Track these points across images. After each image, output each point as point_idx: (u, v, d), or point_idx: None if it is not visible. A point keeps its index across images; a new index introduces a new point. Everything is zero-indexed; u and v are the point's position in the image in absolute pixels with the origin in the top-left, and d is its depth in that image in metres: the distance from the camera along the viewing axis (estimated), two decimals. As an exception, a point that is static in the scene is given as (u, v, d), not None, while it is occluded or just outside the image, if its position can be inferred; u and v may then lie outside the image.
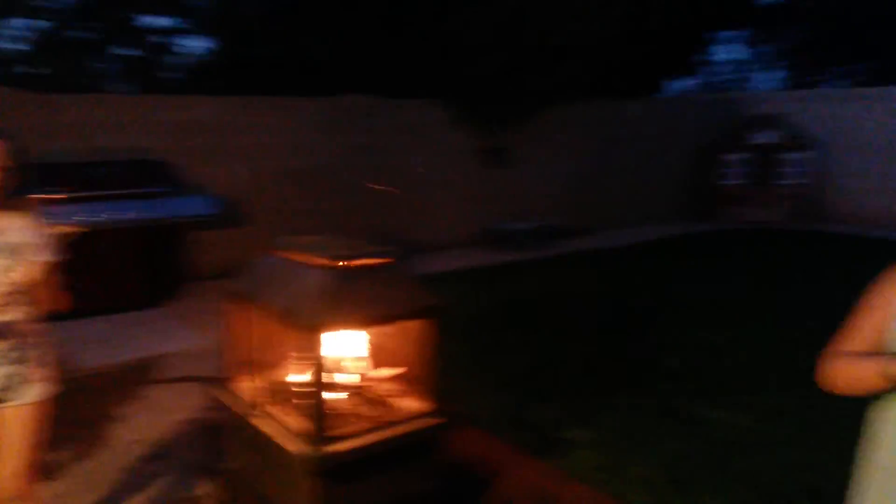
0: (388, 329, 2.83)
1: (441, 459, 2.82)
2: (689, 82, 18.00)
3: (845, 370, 1.54)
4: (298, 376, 2.75)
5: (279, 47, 9.50)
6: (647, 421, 3.90)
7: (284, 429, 2.55)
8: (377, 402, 2.72)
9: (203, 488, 3.15)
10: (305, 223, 7.89)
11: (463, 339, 5.35)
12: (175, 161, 7.14)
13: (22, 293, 2.20)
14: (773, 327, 5.66)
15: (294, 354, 2.81)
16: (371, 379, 2.83)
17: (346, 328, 2.49)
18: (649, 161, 11.25)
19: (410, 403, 2.73)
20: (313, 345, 2.34)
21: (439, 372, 2.69)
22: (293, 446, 2.44)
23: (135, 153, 6.77)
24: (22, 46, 11.76)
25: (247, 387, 2.86)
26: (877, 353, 1.51)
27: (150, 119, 7.05)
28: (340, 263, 2.49)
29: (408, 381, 2.83)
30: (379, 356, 2.94)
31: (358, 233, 7.91)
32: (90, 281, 5.95)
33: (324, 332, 2.35)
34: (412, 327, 2.71)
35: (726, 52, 19.90)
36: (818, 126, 11.35)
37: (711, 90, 18.26)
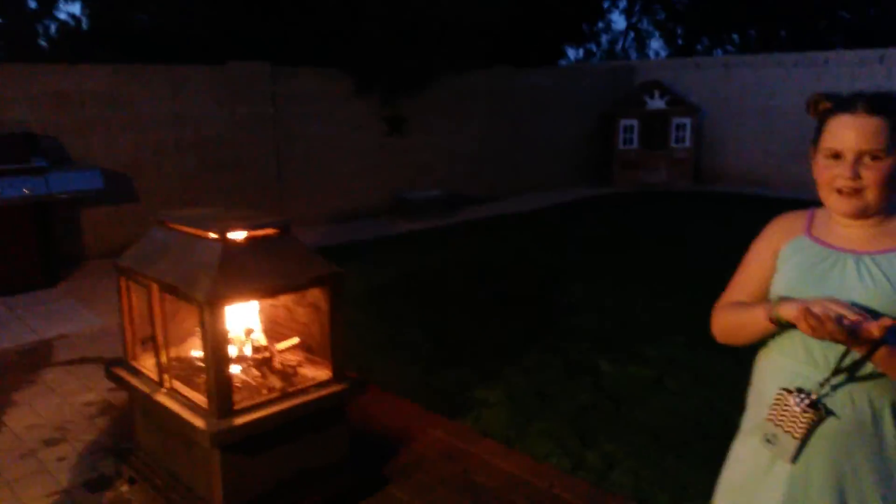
0: (287, 299, 2.78)
1: (350, 426, 2.82)
2: (587, 50, 18.43)
3: (731, 319, 1.62)
4: (198, 351, 2.67)
5: (163, 12, 8.99)
6: (553, 378, 4.03)
7: (188, 404, 2.48)
8: (280, 372, 2.68)
9: (110, 469, 3.03)
10: (199, 196, 7.61)
11: (372, 307, 5.35)
12: (56, 134, 6.68)
13: None
14: (665, 282, 5.95)
15: (193, 329, 2.71)
16: (273, 350, 2.78)
17: (243, 300, 2.42)
18: (552, 128, 11.47)
19: (314, 372, 2.71)
20: (210, 318, 2.26)
21: (342, 339, 2.67)
22: (197, 421, 2.37)
23: (10, 126, 6.29)
24: None
25: (148, 364, 2.75)
26: (760, 301, 1.60)
27: (27, 90, 6.55)
28: (232, 235, 2.42)
29: (311, 351, 2.80)
30: (281, 327, 2.89)
31: (254, 205, 7.75)
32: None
33: (220, 305, 2.28)
34: (312, 296, 2.68)
35: (622, 20, 20.46)
36: (706, 91, 11.90)
37: (609, 58, 18.78)
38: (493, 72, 10.41)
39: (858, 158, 1.42)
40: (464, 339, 4.69)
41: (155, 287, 2.55)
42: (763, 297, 1.60)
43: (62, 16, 11.38)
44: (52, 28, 11.43)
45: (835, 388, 1.46)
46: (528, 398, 3.76)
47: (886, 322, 1.29)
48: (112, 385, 3.79)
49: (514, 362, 4.24)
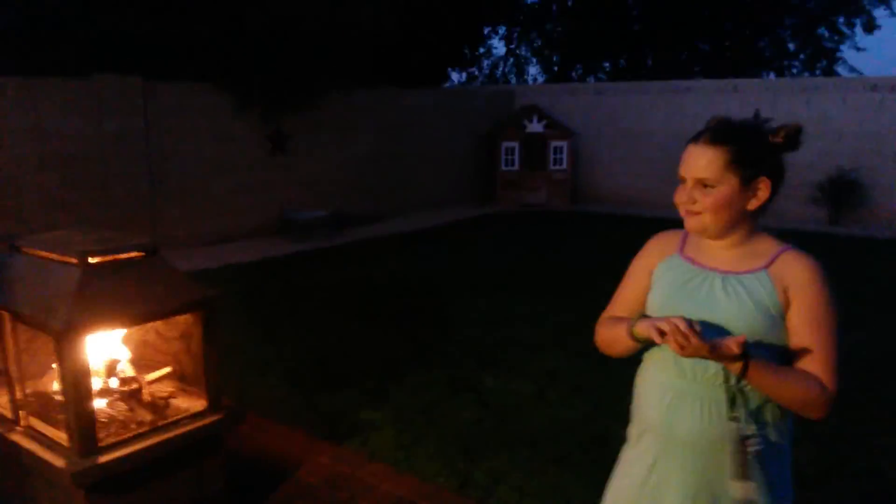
0: (157, 326, 2.64)
1: (229, 457, 2.70)
2: (469, 74, 18.89)
3: (607, 333, 1.71)
4: (58, 385, 2.47)
5: (20, 17, 8.35)
6: (440, 396, 4.05)
7: (47, 443, 2.29)
8: (151, 405, 2.53)
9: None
10: (65, 217, 7.11)
11: (255, 331, 5.17)
12: None
13: None
14: (546, 297, 6.15)
15: (52, 361, 2.51)
16: (143, 381, 2.62)
17: (104, 329, 2.27)
18: (436, 148, 11.65)
19: (188, 403, 2.58)
20: (68, 349, 2.11)
21: (217, 367, 2.56)
22: (57, 461, 2.19)
23: None
24: None
25: (2, 401, 2.51)
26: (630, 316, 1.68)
27: None
28: (92, 259, 2.27)
29: (185, 380, 2.67)
30: (152, 356, 2.73)
31: (125, 227, 7.34)
32: None
33: (78, 335, 2.12)
34: (184, 323, 2.56)
35: (502, 46, 21.16)
36: (580, 116, 12.50)
37: (490, 82, 19.34)
38: (377, 92, 10.45)
39: (696, 185, 1.53)
40: (349, 361, 4.63)
41: (6, 317, 2.34)
42: (641, 312, 1.68)
43: None
44: None
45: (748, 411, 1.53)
46: (415, 418, 3.75)
47: (740, 339, 1.38)
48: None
49: (400, 382, 4.22)
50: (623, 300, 1.75)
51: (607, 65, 18.68)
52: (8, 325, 2.36)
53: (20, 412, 2.39)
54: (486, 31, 17.08)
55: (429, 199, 11.55)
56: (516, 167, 12.10)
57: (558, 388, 4.16)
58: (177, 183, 8.21)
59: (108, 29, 8.09)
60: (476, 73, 19.23)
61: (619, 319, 1.68)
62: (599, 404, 3.88)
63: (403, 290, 6.58)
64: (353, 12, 8.45)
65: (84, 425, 2.18)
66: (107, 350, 2.56)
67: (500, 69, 19.79)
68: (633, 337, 1.56)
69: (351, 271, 7.30)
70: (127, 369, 2.63)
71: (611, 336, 1.69)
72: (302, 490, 3.03)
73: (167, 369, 2.69)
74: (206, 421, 2.51)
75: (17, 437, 2.34)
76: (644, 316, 1.60)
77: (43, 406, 2.44)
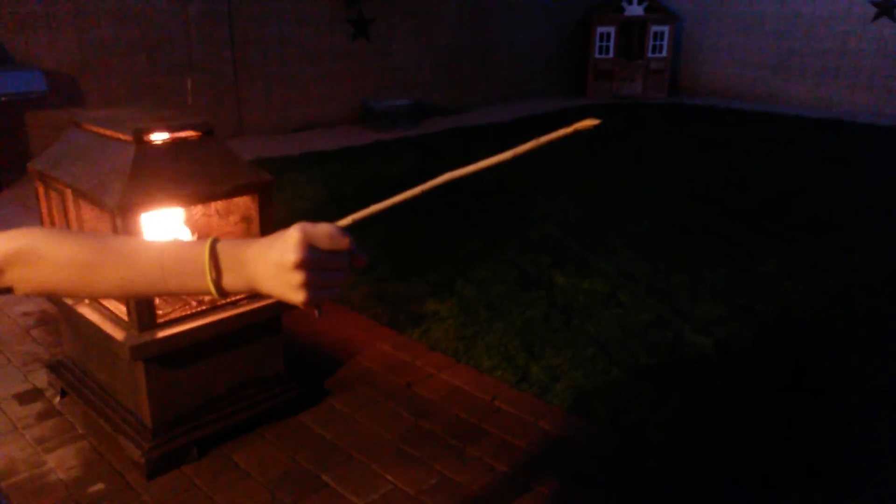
0: (217, 209, 2.63)
1: (293, 338, 2.74)
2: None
3: None
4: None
5: None
6: (506, 291, 3.96)
7: (110, 316, 2.36)
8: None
9: (42, 380, 2.95)
10: (150, 101, 7.26)
11: (325, 219, 5.18)
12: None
13: None
14: (628, 199, 5.85)
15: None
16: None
17: (157, 207, 2.25)
18: (526, 34, 11.05)
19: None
20: (123, 226, 2.11)
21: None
22: (117, 334, 2.27)
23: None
24: None
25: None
26: None
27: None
28: (147, 137, 2.24)
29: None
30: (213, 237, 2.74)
31: (209, 112, 7.42)
32: None
33: (132, 212, 2.12)
34: (242, 206, 2.53)
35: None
36: (686, -1, 11.50)
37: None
38: (464, -28, 9.90)
39: None
40: (418, 253, 4.59)
41: (68, 193, 2.38)
42: None
43: None
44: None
45: None
46: (479, 311, 3.70)
47: None
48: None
49: (468, 276, 4.16)
50: None
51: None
52: (71, 201, 2.39)
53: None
54: None
55: (515, 91, 11.09)
56: (611, 55, 11.37)
57: (632, 289, 3.98)
58: (259, 68, 8.18)
59: None
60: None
61: None
62: (673, 309, 3.70)
63: (479, 186, 6.42)
64: None
65: (142, 301, 2.22)
66: (168, 230, 2.58)
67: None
68: None
69: (427, 163, 7.17)
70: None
71: None
72: (361, 374, 3.07)
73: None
74: (263, 303, 2.52)
75: (83, 310, 2.43)
76: None
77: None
